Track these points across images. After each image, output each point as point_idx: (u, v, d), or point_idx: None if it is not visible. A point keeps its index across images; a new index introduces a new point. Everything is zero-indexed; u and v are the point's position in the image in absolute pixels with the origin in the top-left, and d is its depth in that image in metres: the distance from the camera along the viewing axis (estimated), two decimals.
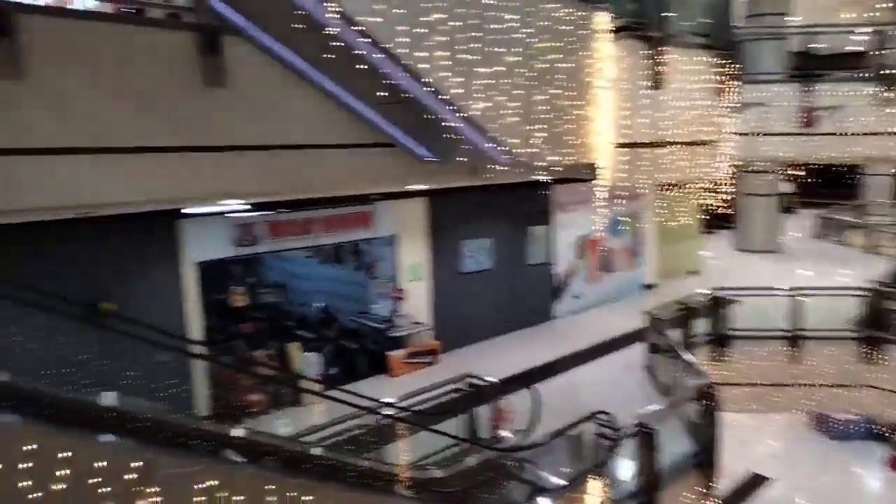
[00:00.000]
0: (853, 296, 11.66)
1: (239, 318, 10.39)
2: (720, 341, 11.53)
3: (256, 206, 9.07)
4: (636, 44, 6.46)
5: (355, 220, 10.38)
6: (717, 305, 11.54)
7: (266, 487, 3.81)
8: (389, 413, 6.49)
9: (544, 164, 5.99)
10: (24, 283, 3.57)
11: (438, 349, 10.89)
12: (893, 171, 26.61)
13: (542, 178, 10.69)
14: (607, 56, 6.30)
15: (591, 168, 6.38)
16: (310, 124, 5.81)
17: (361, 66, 4.92)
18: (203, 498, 3.49)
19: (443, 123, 5.53)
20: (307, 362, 9.59)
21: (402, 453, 6.12)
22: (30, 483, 2.92)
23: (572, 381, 10.27)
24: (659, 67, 6.43)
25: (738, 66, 7.47)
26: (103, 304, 7.71)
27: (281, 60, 5.15)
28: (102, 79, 4.53)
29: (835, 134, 11.49)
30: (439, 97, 5.10)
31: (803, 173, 33.28)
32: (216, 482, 3.54)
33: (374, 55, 4.94)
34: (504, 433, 7.67)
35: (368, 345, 10.83)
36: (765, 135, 11.67)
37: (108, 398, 3.42)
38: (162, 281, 8.43)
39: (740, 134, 11.54)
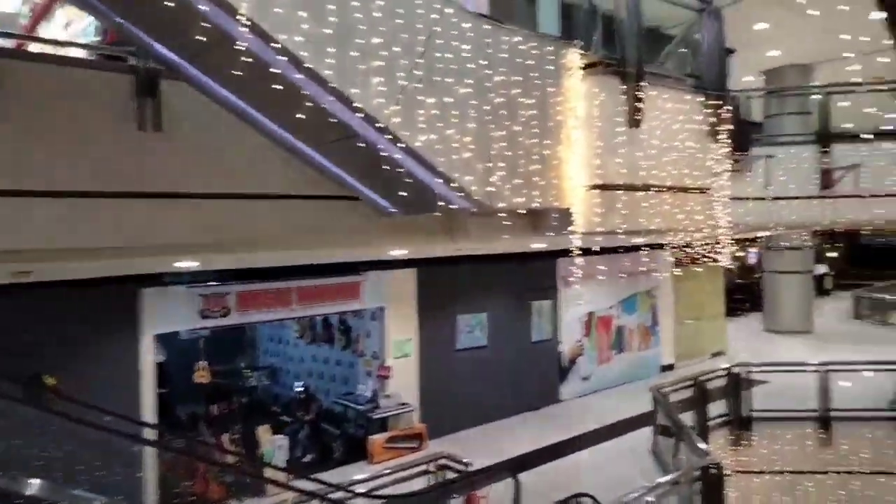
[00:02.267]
0: (890, 370, 10.47)
1: (207, 397, 9.63)
2: (741, 424, 10.35)
3: (228, 275, 8.58)
4: (611, 80, 5.96)
5: (338, 291, 9.75)
6: (736, 384, 10.43)
7: None
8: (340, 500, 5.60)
9: (507, 205, 5.36)
10: None
11: (424, 433, 9.87)
12: None
13: (540, 246, 10.08)
14: (578, 93, 5.79)
15: (564, 213, 5.72)
16: (259, 173, 5.41)
17: (307, 105, 4.46)
18: None
19: (395, 168, 4.99)
20: (276, 447, 8.69)
21: None
22: None
23: (571, 466, 9.14)
24: (637, 104, 5.88)
25: (730, 109, 6.90)
26: (46, 377, 7.13)
27: (225, 104, 4.75)
28: (27, 120, 4.23)
29: (856, 196, 10.70)
30: (376, 125, 4.57)
31: (835, 254, 32.42)
32: None
33: (312, 90, 4.50)
34: None
35: (350, 428, 9.91)
36: (783, 199, 10.93)
37: (34, 487, 2.85)
38: (115, 354, 7.80)
39: (757, 199, 10.89)
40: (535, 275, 12.17)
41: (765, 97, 16.51)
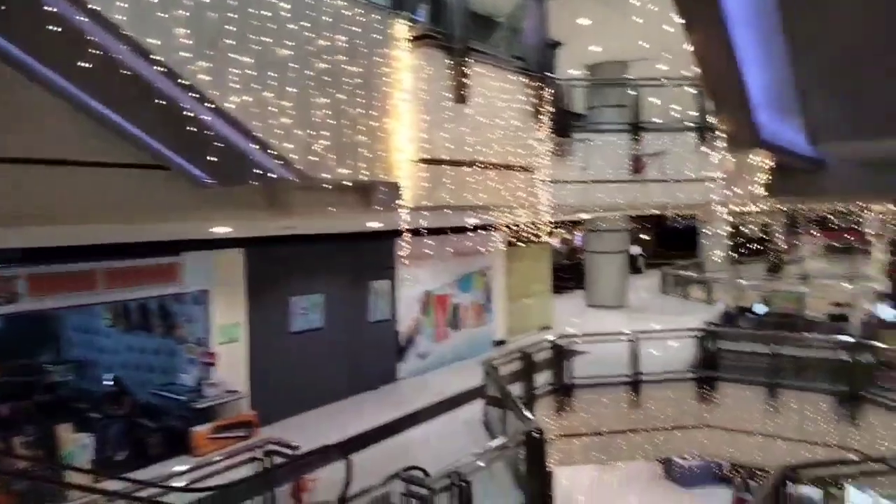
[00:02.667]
0: (689, 337, 11.78)
1: None
2: (564, 391, 11.08)
3: (16, 255, 7.48)
4: (438, 55, 5.95)
5: (153, 273, 8.91)
6: (559, 354, 11.15)
7: None
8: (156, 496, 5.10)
9: (331, 176, 5.15)
10: None
11: (255, 420, 9.40)
12: (727, 230, 29.15)
13: (376, 225, 9.95)
14: (405, 65, 5.71)
15: (392, 186, 5.63)
16: (54, 135, 4.65)
17: (97, 56, 3.88)
18: None
19: (204, 131, 4.56)
20: (80, 447, 7.79)
21: None
22: None
23: (407, 442, 9.21)
24: (463, 80, 5.92)
25: (552, 92, 7.22)
26: None
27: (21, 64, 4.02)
28: None
29: (660, 181, 11.82)
30: (179, 82, 4.14)
31: (647, 236, 35.93)
32: None
33: (101, 38, 3.94)
34: None
35: (170, 421, 9.15)
36: (600, 182, 11.77)
37: None
38: None
39: (577, 182, 11.63)
40: (373, 255, 12.06)
41: (588, 90, 17.70)
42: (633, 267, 31.18)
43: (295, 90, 4.89)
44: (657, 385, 11.48)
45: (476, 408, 10.40)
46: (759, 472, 13.18)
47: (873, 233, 18.73)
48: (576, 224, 26.66)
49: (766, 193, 5.05)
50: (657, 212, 19.83)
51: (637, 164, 11.60)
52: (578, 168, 11.58)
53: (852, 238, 27.82)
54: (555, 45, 12.99)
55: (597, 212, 13.16)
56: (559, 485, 14.70)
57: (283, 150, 4.77)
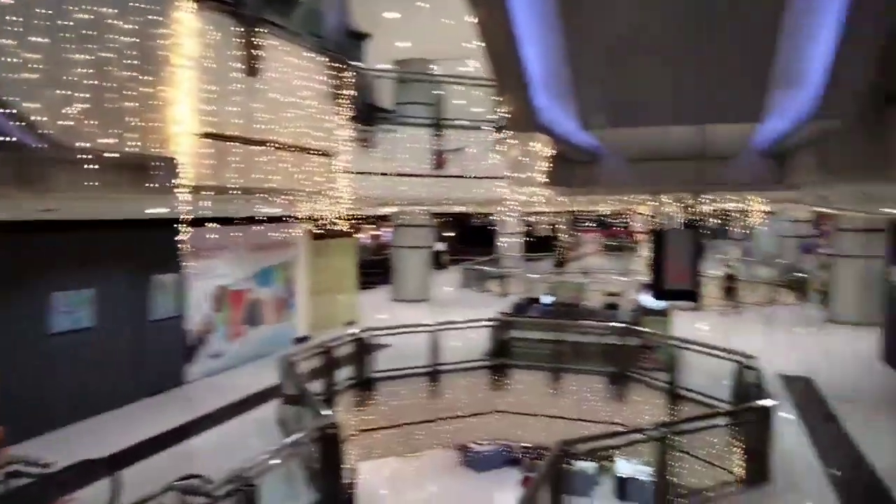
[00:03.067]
0: (484, 327, 12.34)
1: None
2: (365, 385, 10.99)
3: None
4: (227, 21, 5.45)
5: None
6: (361, 348, 11.03)
7: None
8: None
9: (91, 146, 4.45)
10: None
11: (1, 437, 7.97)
12: (521, 230, 31.37)
13: (157, 212, 8.96)
14: (188, 29, 5.14)
15: (169, 162, 5.04)
16: None
17: None
18: None
19: None
20: None
21: None
22: None
23: (192, 449, 8.45)
24: (254, 52, 5.49)
25: (354, 76, 7.03)
26: None
27: None
28: None
29: (460, 177, 12.25)
30: None
31: (452, 234, 37.40)
32: None
33: None
34: None
35: None
36: (403, 175, 11.87)
37: None
38: None
39: (382, 174, 11.60)
40: (156, 246, 10.86)
41: (396, 86, 17.85)
42: (437, 263, 32.38)
43: (45, 41, 4.14)
44: (454, 374, 11.86)
45: (272, 408, 9.88)
46: (544, 452, 14.26)
47: (640, 231, 21.38)
48: (383, 219, 26.89)
49: (547, 181, 5.37)
50: (460, 209, 20.70)
51: (439, 160, 11.92)
52: (383, 160, 11.59)
53: (625, 237, 31.72)
54: (362, 35, 12.85)
55: (401, 205, 13.28)
56: (360, 480, 14.68)
57: (26, 111, 4.01)
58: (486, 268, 25.48)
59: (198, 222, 11.60)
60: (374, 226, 30.81)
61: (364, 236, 31.60)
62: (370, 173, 11.20)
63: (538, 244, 34.77)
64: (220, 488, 5.05)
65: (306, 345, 12.14)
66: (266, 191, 5.61)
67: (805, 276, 22.46)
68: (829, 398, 10.62)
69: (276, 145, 5.70)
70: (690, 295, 5.35)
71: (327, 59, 6.59)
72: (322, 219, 8.38)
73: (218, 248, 12.24)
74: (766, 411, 7.23)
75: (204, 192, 5.20)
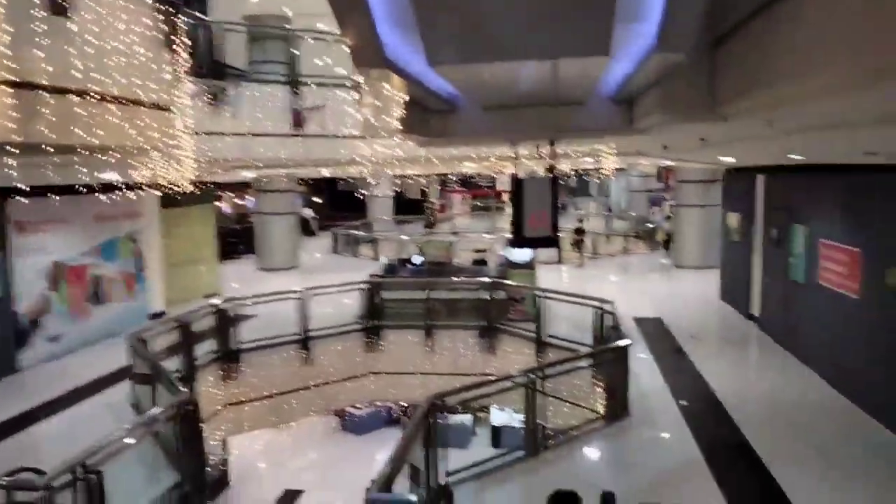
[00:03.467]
0: (355, 290, 12.11)
1: None
2: (230, 358, 10.44)
3: None
4: None
5: None
6: (223, 320, 10.41)
7: None
8: None
9: None
10: None
11: None
12: (391, 193, 31.22)
13: None
14: None
15: None
16: None
17: None
18: None
19: None
20: None
21: None
22: None
23: (26, 442, 7.57)
24: None
25: (200, 33, 6.37)
26: None
27: None
28: None
29: (321, 136, 11.75)
30: None
31: (320, 200, 36.46)
32: None
33: None
34: None
35: None
36: (260, 135, 11.16)
37: None
38: None
39: (235, 134, 10.83)
40: None
41: (250, 43, 16.72)
42: (307, 230, 31.52)
43: None
44: (327, 340, 11.58)
45: (123, 390, 9.09)
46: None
47: (506, 191, 22.03)
48: (245, 186, 25.55)
49: (402, 128, 5.20)
50: (325, 172, 20.04)
51: (297, 119, 11.34)
52: (236, 120, 10.83)
53: (493, 197, 32.53)
54: None
55: (259, 168, 12.55)
56: (233, 455, 14.08)
57: None
58: (356, 232, 25.09)
59: (22, 192, 10.30)
60: (237, 194, 29.25)
61: (226, 206, 29.97)
62: (221, 133, 10.44)
63: (408, 207, 34.86)
64: (56, 479, 4.50)
65: (159, 320, 11.26)
66: (89, 148, 4.94)
67: (653, 226, 24.31)
68: (677, 335, 11.56)
69: (100, 96, 5.02)
70: (550, 241, 5.45)
71: (156, 3, 5.88)
72: (171, 185, 7.62)
73: (51, 221, 10.93)
74: (622, 351, 7.67)
75: (10, 150, 4.48)
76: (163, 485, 6.08)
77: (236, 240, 24.72)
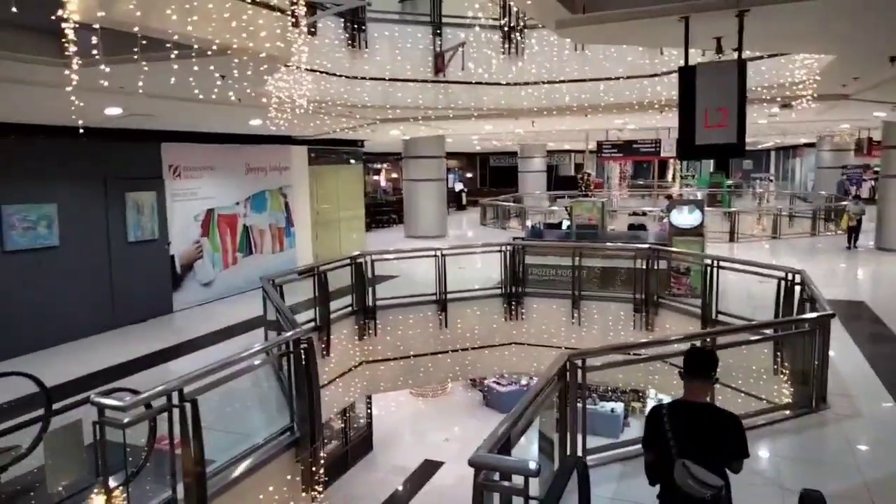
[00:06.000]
0: (496, 252, 11.21)
1: None
2: (366, 314, 10.02)
3: None
4: None
5: None
6: (360, 274, 9.99)
7: None
8: None
9: None
10: None
11: None
12: (544, 168, 30.04)
13: (114, 112, 7.90)
14: None
15: None
16: None
17: None
18: None
19: None
20: None
21: None
22: None
23: (160, 375, 7.60)
24: None
25: None
26: None
27: None
28: None
29: (466, 82, 10.93)
30: None
31: (470, 175, 36.12)
32: None
33: None
34: None
35: None
36: (399, 80, 10.55)
37: None
38: None
39: (374, 79, 10.35)
40: (128, 159, 9.91)
41: None
42: (459, 204, 31.33)
43: None
44: (465, 303, 10.83)
45: (259, 336, 9.01)
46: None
47: (670, 157, 19.89)
48: (399, 158, 25.79)
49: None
50: (473, 140, 19.31)
51: (440, 63, 10.60)
52: (375, 62, 10.29)
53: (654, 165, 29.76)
54: None
55: (398, 118, 11.95)
56: (377, 417, 13.98)
57: None
58: (504, 203, 24.25)
59: (177, 136, 10.63)
60: (393, 167, 29.78)
61: (383, 180, 30.62)
62: (362, 77, 9.98)
63: (563, 183, 33.32)
64: (143, 403, 4.10)
65: (296, 267, 11.13)
66: (184, 42, 4.40)
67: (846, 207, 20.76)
68: (888, 322, 9.35)
69: None
70: (735, 150, 3.96)
71: None
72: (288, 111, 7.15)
73: (204, 168, 11.23)
74: (823, 323, 6.01)
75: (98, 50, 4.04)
76: (272, 427, 5.64)
77: (389, 208, 25.21)
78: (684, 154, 4.04)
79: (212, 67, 4.83)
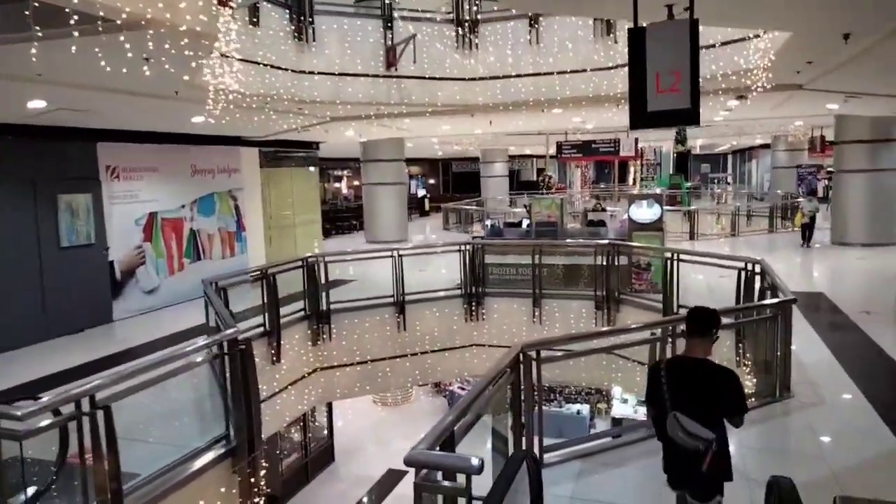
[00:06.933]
0: (455, 251, 10.88)
1: None
2: (320, 319, 9.58)
3: None
4: None
5: None
6: (312, 275, 9.56)
7: None
8: None
9: None
10: None
11: None
12: (506, 173, 30.00)
13: (39, 105, 7.36)
14: None
15: None
16: None
17: None
18: None
19: None
20: None
21: None
22: None
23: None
24: None
25: None
26: None
27: None
28: None
29: (419, 77, 10.62)
30: None
31: (433, 181, 35.92)
32: None
33: None
34: None
35: None
36: (348, 75, 10.17)
37: None
38: None
39: (322, 73, 9.95)
40: (60, 159, 9.31)
41: None
42: (421, 210, 31.09)
43: None
44: (424, 304, 10.48)
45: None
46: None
47: (630, 157, 19.91)
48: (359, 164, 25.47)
49: None
50: (434, 144, 19.06)
51: (392, 57, 10.26)
52: (325, 56, 9.90)
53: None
54: None
55: (349, 115, 11.54)
56: (339, 427, 13.50)
57: None
58: (466, 206, 24.07)
59: (115, 135, 10.06)
60: (353, 174, 29.34)
61: (344, 187, 30.17)
62: (310, 72, 9.60)
63: (524, 187, 33.38)
64: (46, 411, 3.65)
65: (243, 269, 10.62)
66: (103, 20, 4.00)
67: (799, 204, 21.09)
68: (847, 311, 9.32)
69: None
70: (689, 116, 3.70)
71: None
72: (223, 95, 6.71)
73: (145, 169, 10.67)
74: (784, 309, 5.85)
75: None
76: (207, 436, 5.20)
77: (350, 214, 24.90)
78: (637, 122, 3.78)
79: (126, 44, 4.40)
